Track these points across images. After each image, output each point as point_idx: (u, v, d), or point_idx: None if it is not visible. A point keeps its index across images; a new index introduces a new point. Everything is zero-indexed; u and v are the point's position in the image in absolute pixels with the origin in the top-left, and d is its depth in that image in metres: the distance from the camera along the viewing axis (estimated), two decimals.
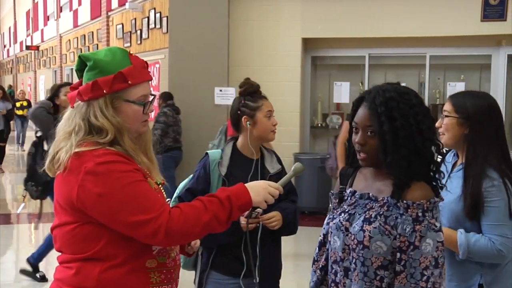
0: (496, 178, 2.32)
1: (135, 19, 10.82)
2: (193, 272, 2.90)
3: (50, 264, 5.93)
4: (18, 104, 14.93)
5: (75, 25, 16.61)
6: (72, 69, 16.16)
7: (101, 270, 1.82)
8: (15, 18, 29.70)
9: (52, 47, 20.19)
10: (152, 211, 1.77)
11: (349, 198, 1.97)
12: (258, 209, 2.02)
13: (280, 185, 1.99)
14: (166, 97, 7.91)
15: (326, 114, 8.82)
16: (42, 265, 6.31)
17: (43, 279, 5.30)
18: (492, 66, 8.00)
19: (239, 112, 2.80)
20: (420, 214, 1.78)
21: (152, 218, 1.77)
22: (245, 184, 1.93)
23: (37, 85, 23.35)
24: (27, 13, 25.97)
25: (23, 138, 15.55)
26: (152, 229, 1.76)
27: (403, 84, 2.02)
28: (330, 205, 2.08)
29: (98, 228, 1.82)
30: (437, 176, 1.90)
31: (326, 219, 2.05)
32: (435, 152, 1.90)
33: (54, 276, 1.93)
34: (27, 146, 15.44)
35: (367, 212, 1.86)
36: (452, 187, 2.43)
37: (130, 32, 11.12)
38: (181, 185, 2.91)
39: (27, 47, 23.23)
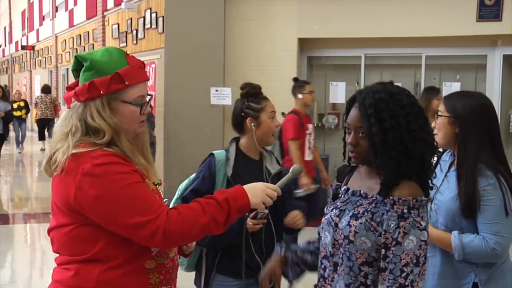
0: (491, 177, 2.33)
1: (130, 19, 10.80)
2: (192, 272, 2.90)
3: (45, 265, 5.92)
4: (15, 105, 14.31)
5: (71, 25, 16.57)
6: (67, 69, 16.13)
7: (100, 271, 1.82)
8: (10, 18, 29.61)
9: (48, 47, 20.14)
10: (150, 213, 1.77)
11: (342, 195, 2.00)
12: (265, 209, 2.04)
13: (278, 187, 2.00)
14: None
15: (322, 114, 8.83)
16: (37, 266, 6.31)
17: None
18: (487, 66, 8.02)
19: (242, 113, 2.83)
20: (405, 211, 1.79)
21: (150, 220, 1.76)
22: (243, 186, 1.93)
23: (32, 85, 23.28)
24: (23, 13, 25.89)
25: (22, 139, 15.07)
26: (150, 230, 1.76)
27: (398, 84, 2.02)
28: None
29: (96, 229, 1.81)
30: (428, 176, 1.91)
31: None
32: (430, 151, 1.90)
33: (52, 277, 1.93)
34: (28, 147, 15.49)
35: (356, 208, 1.89)
36: (449, 186, 2.45)
37: (126, 32, 11.10)
38: (181, 186, 2.90)
39: (23, 47, 23.15)
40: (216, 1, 8.18)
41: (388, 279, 1.78)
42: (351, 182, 2.01)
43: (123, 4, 10.42)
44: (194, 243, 2.21)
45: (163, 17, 8.85)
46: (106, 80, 1.83)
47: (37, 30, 22.41)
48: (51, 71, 19.80)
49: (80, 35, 15.40)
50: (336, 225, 1.91)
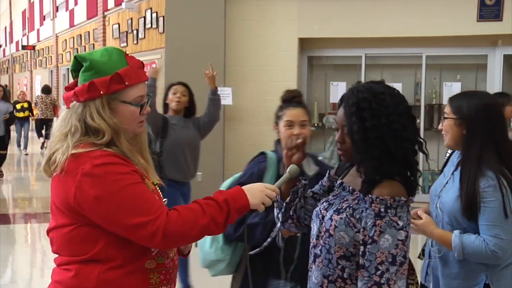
0: (492, 178, 2.33)
1: (131, 19, 10.81)
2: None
3: (46, 265, 5.93)
4: (18, 106, 14.11)
5: (71, 25, 16.59)
6: (68, 69, 16.13)
7: (101, 271, 1.82)
8: (11, 18, 29.62)
9: (48, 47, 20.16)
10: (150, 213, 1.77)
11: (336, 189, 2.04)
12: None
13: (276, 187, 2.00)
14: None
15: (323, 114, 8.83)
16: (38, 266, 6.31)
17: None
18: (488, 66, 8.02)
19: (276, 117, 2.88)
20: (382, 209, 1.81)
21: (150, 220, 1.76)
22: (242, 187, 1.93)
23: (33, 85, 23.29)
24: (23, 12, 25.91)
25: (25, 140, 14.89)
26: (150, 231, 1.76)
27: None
28: None
29: (96, 230, 1.81)
30: (412, 175, 1.91)
31: None
32: (414, 151, 1.91)
33: (52, 278, 1.92)
34: (28, 147, 15.48)
35: (341, 203, 1.93)
36: (453, 186, 2.45)
37: (127, 32, 11.11)
38: (225, 184, 2.89)
39: (23, 47, 23.16)
40: (217, 1, 8.18)
41: (363, 276, 1.82)
42: (347, 177, 2.04)
43: (123, 4, 10.42)
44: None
45: (163, 17, 8.86)
46: (106, 80, 1.82)
47: (38, 30, 22.43)
48: (51, 71, 19.81)
49: (81, 35, 15.41)
50: (323, 217, 1.95)
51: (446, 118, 2.49)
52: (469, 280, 2.42)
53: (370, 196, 1.84)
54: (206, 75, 5.56)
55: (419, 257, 2.80)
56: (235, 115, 8.32)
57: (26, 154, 14.64)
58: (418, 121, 8.44)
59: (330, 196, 2.03)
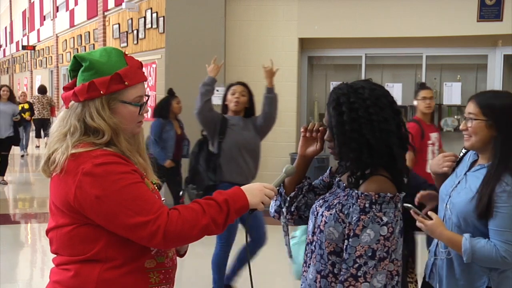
0: (508, 183, 2.30)
1: (131, 19, 10.81)
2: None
3: (46, 265, 5.93)
4: (19, 107, 13.77)
5: (72, 25, 16.59)
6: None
7: (101, 271, 1.82)
8: (11, 18, 29.62)
9: (49, 47, 20.16)
10: (150, 213, 1.77)
11: (334, 187, 2.07)
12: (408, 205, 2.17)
13: (274, 187, 2.01)
14: None
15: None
16: (38, 266, 6.31)
17: None
18: (488, 66, 8.02)
19: None
20: (367, 205, 1.84)
21: (150, 220, 1.76)
22: (241, 187, 1.94)
23: (33, 85, 23.29)
24: (23, 12, 25.91)
25: (26, 142, 14.74)
26: (151, 231, 1.76)
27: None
28: None
29: (96, 229, 1.81)
30: (398, 169, 1.93)
31: None
32: (398, 143, 1.92)
33: (50, 278, 1.92)
34: (30, 148, 15.46)
35: (333, 200, 1.97)
36: (466, 187, 2.42)
37: (127, 32, 11.11)
38: None
39: (23, 47, 23.16)
40: (217, 1, 8.18)
41: (342, 268, 1.85)
42: (344, 175, 2.06)
43: (123, 4, 10.42)
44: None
45: (163, 17, 8.86)
46: (106, 80, 1.83)
47: (38, 30, 22.42)
48: (51, 71, 19.82)
49: (81, 35, 15.41)
50: (318, 214, 1.99)
51: (476, 119, 2.39)
52: (472, 282, 2.42)
53: (356, 191, 1.88)
54: (265, 69, 4.98)
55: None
56: None
57: (27, 155, 14.62)
58: None
59: (327, 194, 2.06)
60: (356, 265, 1.82)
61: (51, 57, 19.65)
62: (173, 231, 1.78)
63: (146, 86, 8.26)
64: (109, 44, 12.11)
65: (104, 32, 12.68)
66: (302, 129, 2.12)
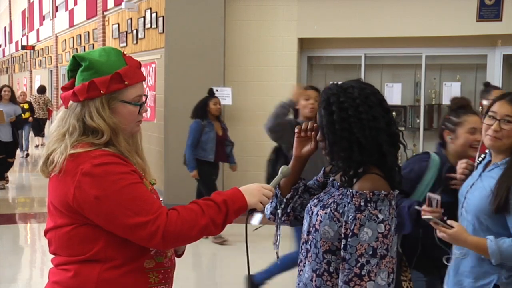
0: None
1: (131, 19, 10.80)
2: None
3: (45, 264, 5.93)
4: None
5: (71, 25, 16.57)
6: None
7: (100, 271, 1.82)
8: (10, 18, 29.61)
9: (48, 47, 20.14)
10: (149, 214, 1.77)
11: (328, 186, 2.09)
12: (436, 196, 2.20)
13: (272, 187, 2.03)
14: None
15: None
16: (38, 266, 6.31)
17: None
18: (487, 66, 8.02)
19: (443, 126, 2.98)
20: (362, 203, 1.86)
21: (149, 221, 1.77)
22: (239, 188, 1.95)
23: (32, 85, 23.27)
24: (23, 12, 25.89)
25: (26, 143, 14.59)
26: (150, 231, 1.76)
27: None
28: None
29: (95, 230, 1.81)
30: (390, 167, 1.94)
31: None
32: (389, 140, 1.93)
33: (49, 278, 1.92)
34: (32, 150, 15.45)
35: (328, 199, 1.99)
36: (481, 186, 2.43)
37: (126, 32, 11.10)
38: None
39: (23, 47, 23.14)
40: (216, 1, 8.18)
41: (344, 268, 1.87)
42: (338, 174, 2.07)
43: (123, 4, 10.42)
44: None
45: (163, 17, 8.85)
46: (106, 79, 1.83)
47: (37, 30, 22.41)
48: (51, 71, 19.81)
49: (80, 35, 15.41)
50: (312, 213, 2.01)
51: (510, 121, 2.37)
52: (479, 279, 2.43)
53: (351, 190, 1.90)
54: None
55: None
56: (235, 115, 8.32)
57: (27, 156, 14.56)
58: (418, 120, 8.45)
59: (321, 193, 2.08)
60: (359, 264, 1.84)
61: (51, 57, 19.64)
62: (172, 231, 1.78)
63: (145, 86, 8.25)
64: (108, 44, 12.10)
65: (104, 32, 12.67)
66: (296, 130, 2.12)
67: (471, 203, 2.45)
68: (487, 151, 2.58)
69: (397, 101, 8.31)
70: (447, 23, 7.77)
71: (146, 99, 1.96)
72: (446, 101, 8.27)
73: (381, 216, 1.86)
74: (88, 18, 14.39)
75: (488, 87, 5.28)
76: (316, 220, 1.95)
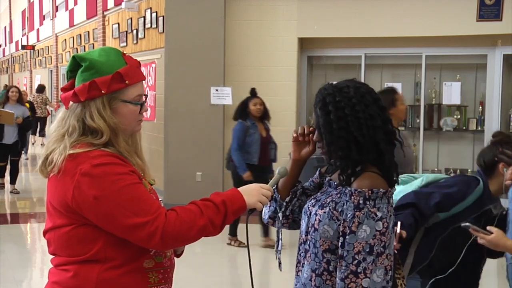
0: None
1: (131, 18, 10.80)
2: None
3: (45, 264, 5.92)
4: None
5: (71, 24, 16.57)
6: None
7: (100, 271, 1.82)
8: (10, 18, 29.61)
9: (48, 47, 20.14)
10: (148, 214, 1.77)
11: (324, 186, 2.10)
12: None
13: (270, 187, 2.03)
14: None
15: None
16: (38, 266, 6.31)
17: None
18: (487, 66, 8.02)
19: (496, 158, 2.98)
20: (361, 201, 1.87)
21: (148, 221, 1.76)
22: (238, 189, 1.95)
23: (32, 85, 23.27)
24: (23, 12, 25.89)
25: (26, 144, 14.73)
26: (149, 232, 1.76)
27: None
28: None
29: (94, 230, 1.81)
30: (386, 165, 1.95)
31: None
32: (385, 138, 1.95)
33: (49, 278, 1.92)
34: (32, 150, 15.43)
35: (326, 198, 1.99)
36: None
37: (126, 31, 11.10)
38: (429, 177, 3.02)
39: (23, 47, 23.13)
40: (216, 1, 8.19)
41: (341, 265, 1.88)
42: (335, 174, 2.08)
43: (123, 3, 10.42)
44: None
45: (163, 17, 8.85)
46: (107, 79, 1.83)
47: (38, 29, 22.41)
48: (51, 70, 19.81)
49: (81, 35, 15.41)
50: (311, 214, 2.01)
51: None
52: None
53: (349, 189, 1.91)
54: None
55: None
56: None
57: (27, 159, 14.52)
58: (418, 120, 8.45)
59: (318, 193, 2.09)
60: (355, 261, 1.85)
61: (51, 56, 19.63)
62: (171, 232, 1.78)
63: (145, 85, 8.24)
64: (108, 43, 12.10)
65: (104, 32, 12.67)
66: (294, 135, 2.13)
67: None
68: None
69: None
70: (447, 23, 7.77)
71: (146, 99, 1.96)
72: (446, 101, 8.28)
73: (379, 214, 1.87)
74: (88, 18, 14.39)
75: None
76: (315, 219, 1.96)
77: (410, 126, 8.59)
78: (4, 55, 31.79)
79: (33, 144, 16.32)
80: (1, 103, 9.42)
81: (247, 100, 6.48)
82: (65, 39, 17.49)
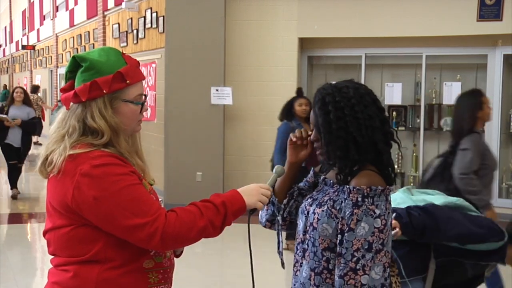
0: None
1: (131, 18, 10.80)
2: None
3: (45, 264, 5.93)
4: None
5: (71, 24, 16.58)
6: None
7: (100, 272, 1.82)
8: (11, 18, 29.62)
9: (48, 47, 20.14)
10: (148, 215, 1.78)
11: (320, 185, 2.10)
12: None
13: (269, 186, 2.04)
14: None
15: None
16: (38, 266, 6.31)
17: None
18: (488, 66, 8.02)
19: None
20: (359, 199, 1.89)
21: (148, 222, 1.77)
22: (237, 189, 1.95)
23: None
24: (23, 12, 25.90)
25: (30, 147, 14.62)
26: (148, 232, 1.76)
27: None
28: None
29: (94, 230, 1.81)
30: (385, 164, 1.97)
31: None
32: (383, 138, 1.97)
33: (49, 279, 1.92)
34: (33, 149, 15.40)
35: (323, 197, 2.00)
36: None
37: (127, 31, 11.10)
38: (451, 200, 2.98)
39: (23, 47, 23.14)
40: (217, 1, 8.19)
41: (340, 263, 1.89)
42: (330, 173, 2.09)
43: (123, 3, 10.42)
44: None
45: (163, 16, 8.85)
46: (108, 79, 1.83)
47: (38, 29, 22.42)
48: (51, 70, 19.81)
49: (81, 35, 15.41)
50: (308, 213, 2.02)
51: None
52: None
53: (348, 186, 1.92)
54: None
55: None
56: (235, 115, 8.33)
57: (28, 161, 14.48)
58: (418, 120, 8.45)
59: (314, 192, 2.09)
60: (354, 258, 1.86)
61: (51, 56, 19.64)
62: (171, 233, 1.78)
63: (145, 85, 8.24)
64: (109, 44, 12.11)
65: (104, 32, 12.67)
66: (293, 139, 2.13)
67: None
68: None
69: (397, 101, 8.31)
70: (447, 23, 7.76)
71: (146, 98, 1.96)
72: (446, 101, 8.28)
73: (378, 211, 1.88)
74: (88, 18, 14.40)
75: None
76: (314, 218, 1.97)
77: (410, 126, 8.59)
78: (4, 55, 31.80)
79: (35, 143, 16.28)
80: (6, 104, 9.28)
81: (293, 100, 6.26)
82: (66, 39, 17.50)
